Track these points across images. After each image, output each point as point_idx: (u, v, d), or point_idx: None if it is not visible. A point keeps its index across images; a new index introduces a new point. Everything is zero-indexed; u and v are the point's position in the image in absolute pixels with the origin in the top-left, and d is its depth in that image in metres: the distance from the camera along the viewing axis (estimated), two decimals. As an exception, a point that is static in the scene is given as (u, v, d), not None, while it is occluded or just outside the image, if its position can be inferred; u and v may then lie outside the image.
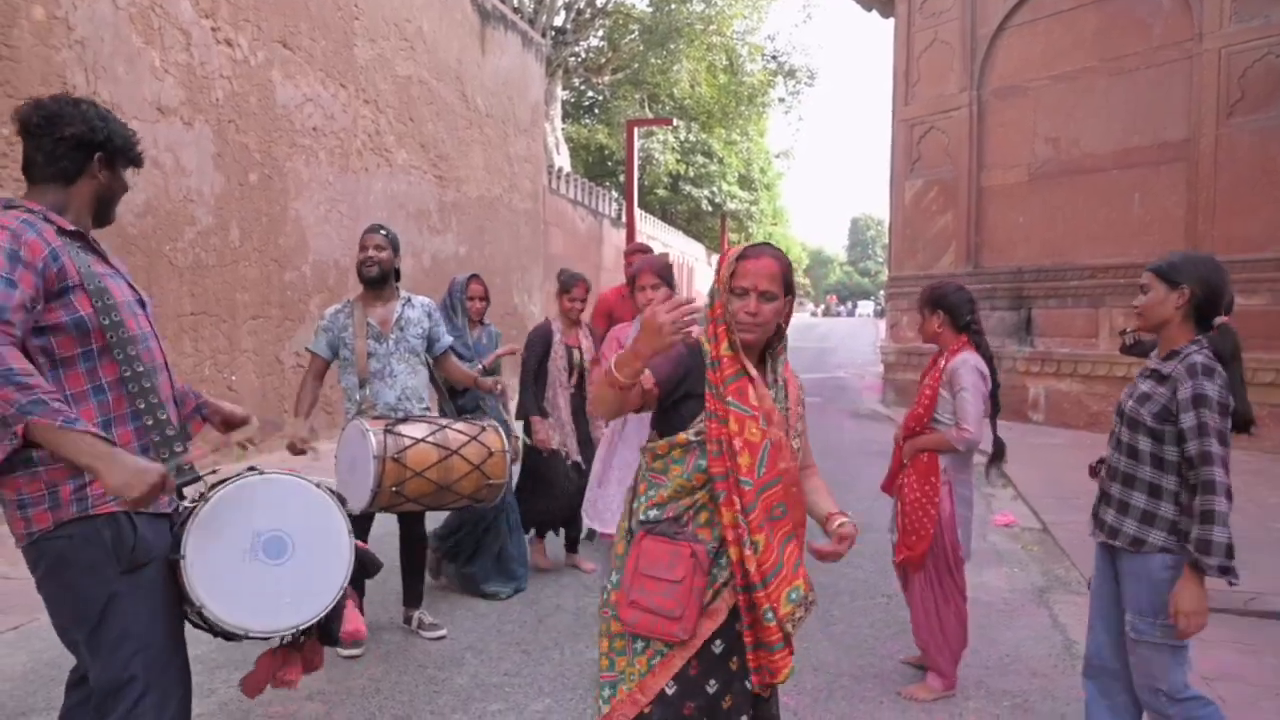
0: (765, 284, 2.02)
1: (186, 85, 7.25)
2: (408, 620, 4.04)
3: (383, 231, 3.84)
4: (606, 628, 2.08)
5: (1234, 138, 8.94)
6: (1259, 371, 8.41)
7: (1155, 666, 2.43)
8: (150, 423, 1.95)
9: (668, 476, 2.05)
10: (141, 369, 1.96)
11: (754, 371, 2.04)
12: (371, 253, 3.78)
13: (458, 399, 4.37)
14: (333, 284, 9.23)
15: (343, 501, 2.20)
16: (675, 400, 2.07)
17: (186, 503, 2.00)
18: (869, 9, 14.09)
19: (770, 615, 1.94)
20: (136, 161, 2.12)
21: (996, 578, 4.86)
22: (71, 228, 1.97)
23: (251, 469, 2.07)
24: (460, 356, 4.28)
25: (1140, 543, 2.44)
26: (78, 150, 1.97)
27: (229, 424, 2.39)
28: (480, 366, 4.35)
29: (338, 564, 2.10)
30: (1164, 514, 2.42)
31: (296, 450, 3.67)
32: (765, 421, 1.99)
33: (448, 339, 4.02)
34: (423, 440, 3.47)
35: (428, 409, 3.86)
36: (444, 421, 3.65)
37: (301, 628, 2.08)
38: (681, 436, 2.02)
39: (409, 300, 3.90)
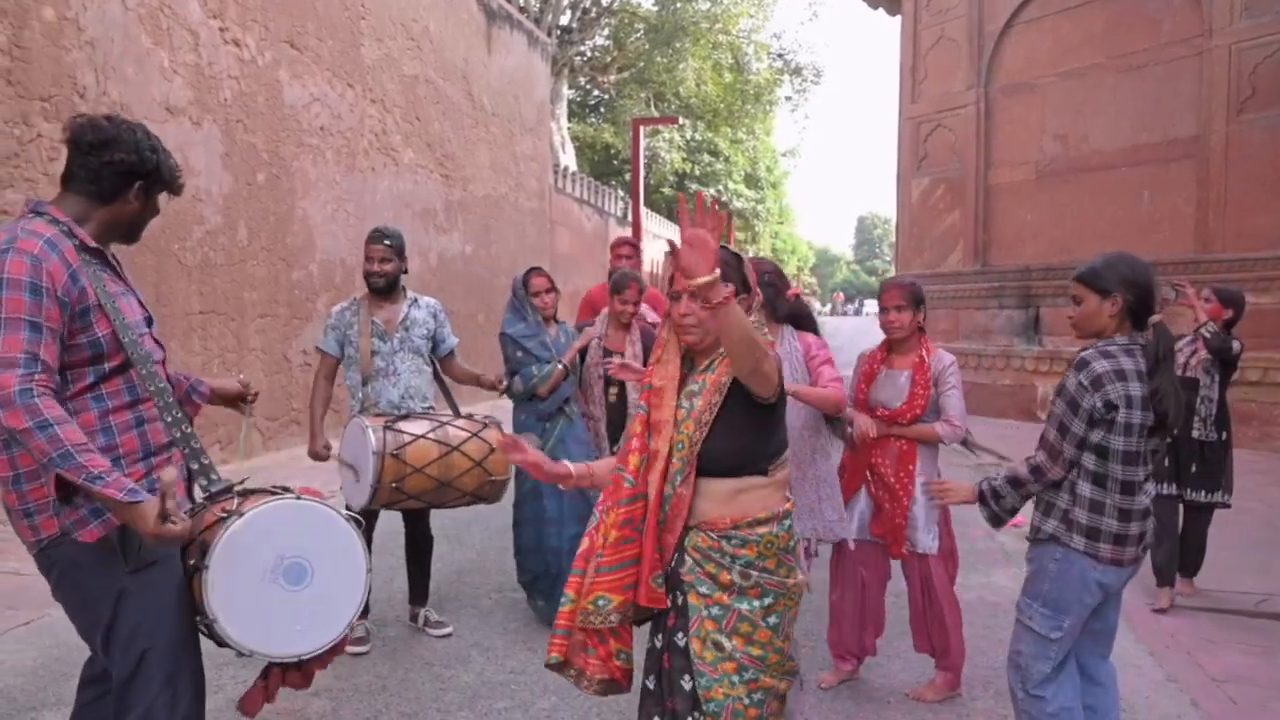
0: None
1: (195, 85, 7.28)
2: (414, 618, 4.05)
3: (387, 241, 3.81)
4: None
5: (1244, 134, 8.89)
6: (1270, 371, 8.36)
7: (1023, 645, 2.49)
8: (178, 435, 2.00)
9: None
10: (163, 384, 2.00)
11: (660, 382, 2.09)
12: (377, 266, 3.80)
13: (539, 404, 4.07)
14: (339, 282, 9.26)
15: (359, 524, 2.21)
16: None
17: (219, 511, 2.01)
18: (875, 7, 14.06)
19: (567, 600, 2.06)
20: (175, 192, 2.13)
21: (1005, 578, 4.84)
22: (93, 244, 1.97)
23: (285, 489, 2.10)
24: (538, 358, 4.06)
25: (1036, 530, 2.49)
26: (121, 176, 1.98)
27: (226, 399, 2.45)
28: (561, 366, 4.02)
29: (351, 598, 2.11)
30: (1059, 504, 2.44)
31: (319, 458, 3.77)
32: (651, 436, 2.05)
33: (453, 339, 4.04)
34: (423, 436, 3.47)
35: (430, 408, 3.86)
36: (444, 418, 3.64)
37: (305, 657, 2.08)
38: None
39: (415, 300, 3.92)
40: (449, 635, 3.96)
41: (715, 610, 2.00)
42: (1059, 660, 2.44)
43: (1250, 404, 8.40)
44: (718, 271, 1.79)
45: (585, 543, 2.10)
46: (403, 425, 3.49)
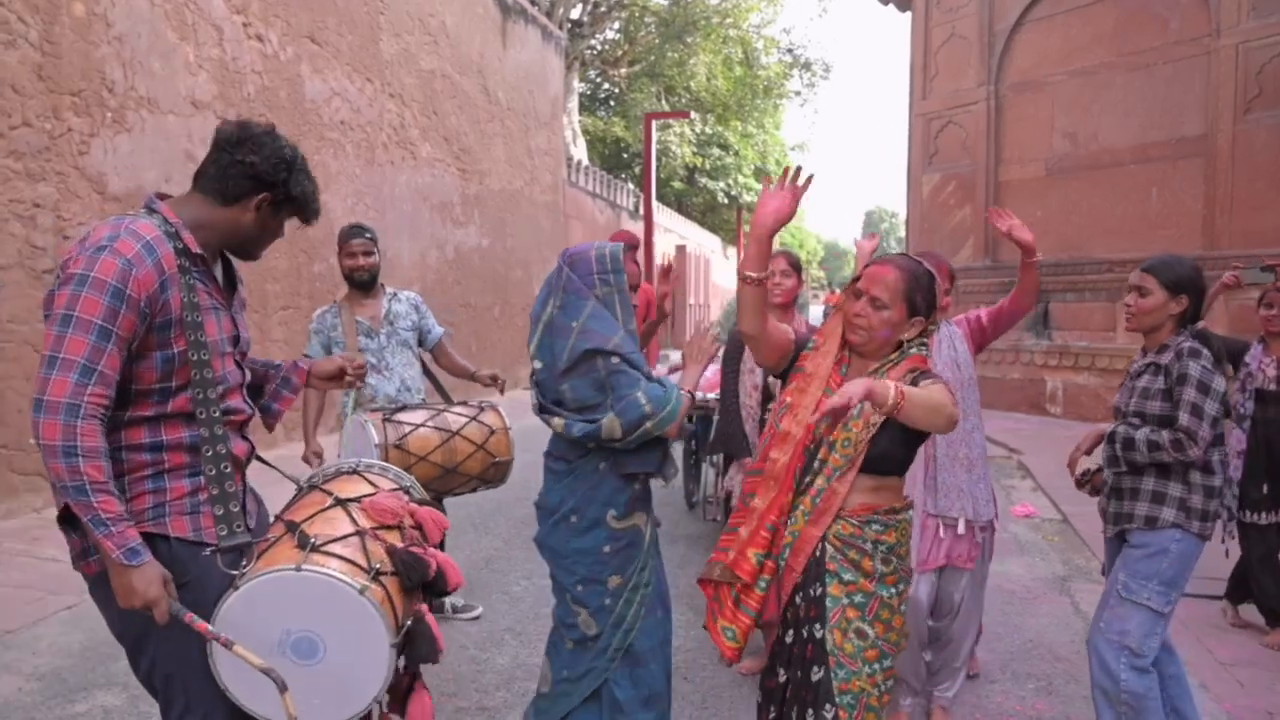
0: (878, 290, 2.08)
1: (219, 80, 7.40)
2: (438, 607, 4.13)
3: (368, 234, 3.86)
4: None
5: (1251, 133, 8.97)
6: (1276, 366, 8.46)
7: (1132, 624, 2.54)
8: (213, 473, 1.85)
9: None
10: (217, 414, 1.86)
11: (810, 368, 2.18)
12: (361, 260, 3.82)
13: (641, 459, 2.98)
14: (359, 276, 9.38)
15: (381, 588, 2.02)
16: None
17: (232, 571, 1.86)
18: (886, 2, 14.08)
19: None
20: (307, 218, 2.01)
21: (1018, 567, 4.97)
22: (198, 251, 1.86)
23: (296, 569, 1.83)
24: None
25: (1154, 520, 2.56)
26: (247, 180, 1.88)
27: (328, 378, 2.33)
28: (686, 394, 2.97)
29: (374, 674, 1.88)
30: (1172, 493, 2.54)
31: (310, 465, 3.71)
32: (782, 414, 2.17)
33: (439, 330, 4.05)
34: (423, 425, 3.47)
35: (424, 403, 3.86)
36: (441, 406, 3.64)
37: None
38: None
39: (395, 295, 3.95)
40: (478, 618, 4.07)
41: (859, 598, 2.04)
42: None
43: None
44: (891, 390, 1.82)
45: None
46: (401, 416, 3.50)
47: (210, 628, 1.72)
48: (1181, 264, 2.59)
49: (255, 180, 1.88)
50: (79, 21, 6.06)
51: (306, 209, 1.98)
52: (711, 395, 5.18)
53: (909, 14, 12.96)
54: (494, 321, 12.88)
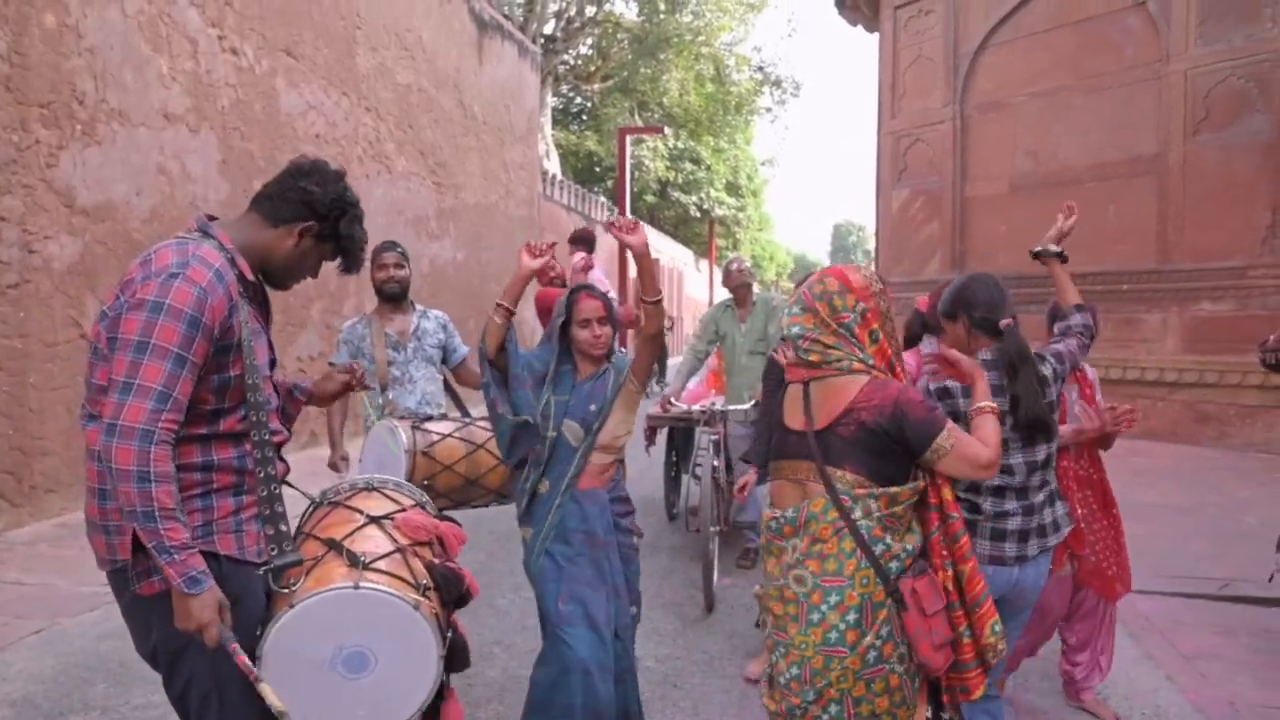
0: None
1: (193, 93, 7.39)
2: None
3: (399, 249, 4.01)
4: (885, 684, 2.02)
5: (1200, 153, 9.37)
6: (1226, 374, 8.78)
7: None
8: (264, 494, 1.90)
9: (905, 519, 2.10)
10: (268, 435, 1.89)
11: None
12: (392, 271, 3.94)
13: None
14: (334, 289, 9.36)
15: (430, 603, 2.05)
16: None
17: (282, 589, 1.89)
18: (854, 24, 14.40)
19: (968, 633, 2.09)
20: (347, 266, 2.04)
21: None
22: (251, 278, 1.92)
23: (355, 586, 1.90)
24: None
25: None
26: (300, 205, 1.94)
27: (332, 396, 2.37)
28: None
29: (421, 684, 1.93)
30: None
31: (336, 469, 3.85)
32: None
33: (464, 348, 4.15)
34: (450, 435, 3.55)
35: (445, 416, 3.95)
36: (468, 419, 3.74)
37: None
38: (922, 483, 2.11)
39: (424, 313, 4.07)
40: None
41: None
42: None
43: (1208, 405, 8.87)
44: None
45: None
46: (429, 425, 3.60)
47: (248, 663, 1.73)
48: (946, 292, 2.64)
49: (307, 206, 1.94)
50: (49, 33, 5.97)
51: (350, 254, 2.03)
52: (697, 407, 5.32)
53: (877, 35, 13.27)
54: (469, 335, 12.85)
